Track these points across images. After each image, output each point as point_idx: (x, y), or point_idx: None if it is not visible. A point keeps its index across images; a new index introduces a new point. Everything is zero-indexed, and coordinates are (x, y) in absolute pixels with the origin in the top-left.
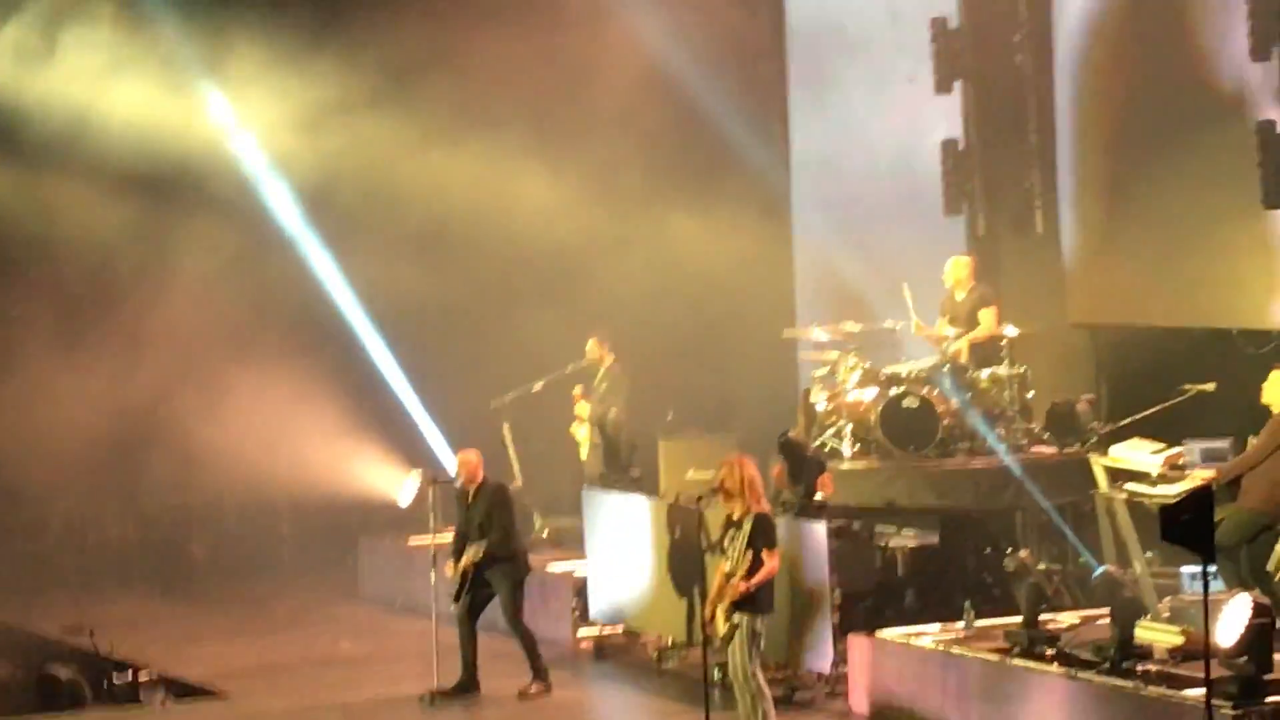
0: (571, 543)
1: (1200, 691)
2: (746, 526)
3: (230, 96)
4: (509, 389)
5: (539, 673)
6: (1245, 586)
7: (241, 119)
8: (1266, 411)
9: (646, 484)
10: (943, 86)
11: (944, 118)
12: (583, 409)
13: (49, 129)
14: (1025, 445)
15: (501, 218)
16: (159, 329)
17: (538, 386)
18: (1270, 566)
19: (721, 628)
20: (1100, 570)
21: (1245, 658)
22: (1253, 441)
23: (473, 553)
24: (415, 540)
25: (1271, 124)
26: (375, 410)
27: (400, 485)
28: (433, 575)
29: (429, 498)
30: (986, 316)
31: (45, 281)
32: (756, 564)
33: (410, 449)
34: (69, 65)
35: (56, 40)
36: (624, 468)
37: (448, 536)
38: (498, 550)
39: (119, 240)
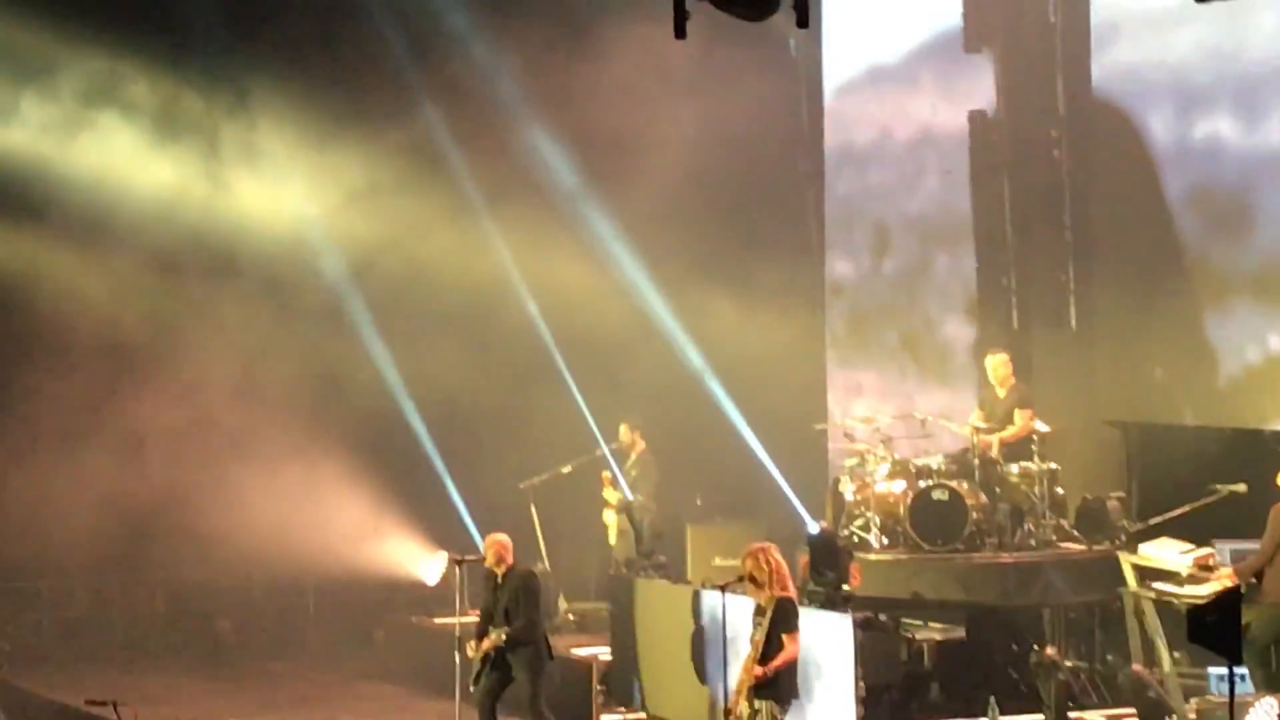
0: (597, 627)
1: None
2: (769, 612)
3: (258, 180)
4: (539, 471)
5: None
6: (1274, 689)
7: (271, 203)
8: None
9: (673, 570)
10: (979, 179)
11: (981, 210)
12: (611, 494)
13: (74, 208)
14: (1054, 541)
15: (536, 300)
16: (194, 403)
17: (567, 469)
18: None
19: (745, 715)
20: (1126, 670)
21: None
22: None
23: (495, 637)
24: (440, 620)
25: None
26: (405, 489)
27: (427, 564)
28: (457, 656)
29: (455, 578)
30: (1021, 417)
31: (76, 349)
32: (776, 648)
33: (439, 529)
34: (96, 144)
35: (85, 119)
36: (649, 553)
37: (473, 617)
38: (520, 636)
39: (152, 313)
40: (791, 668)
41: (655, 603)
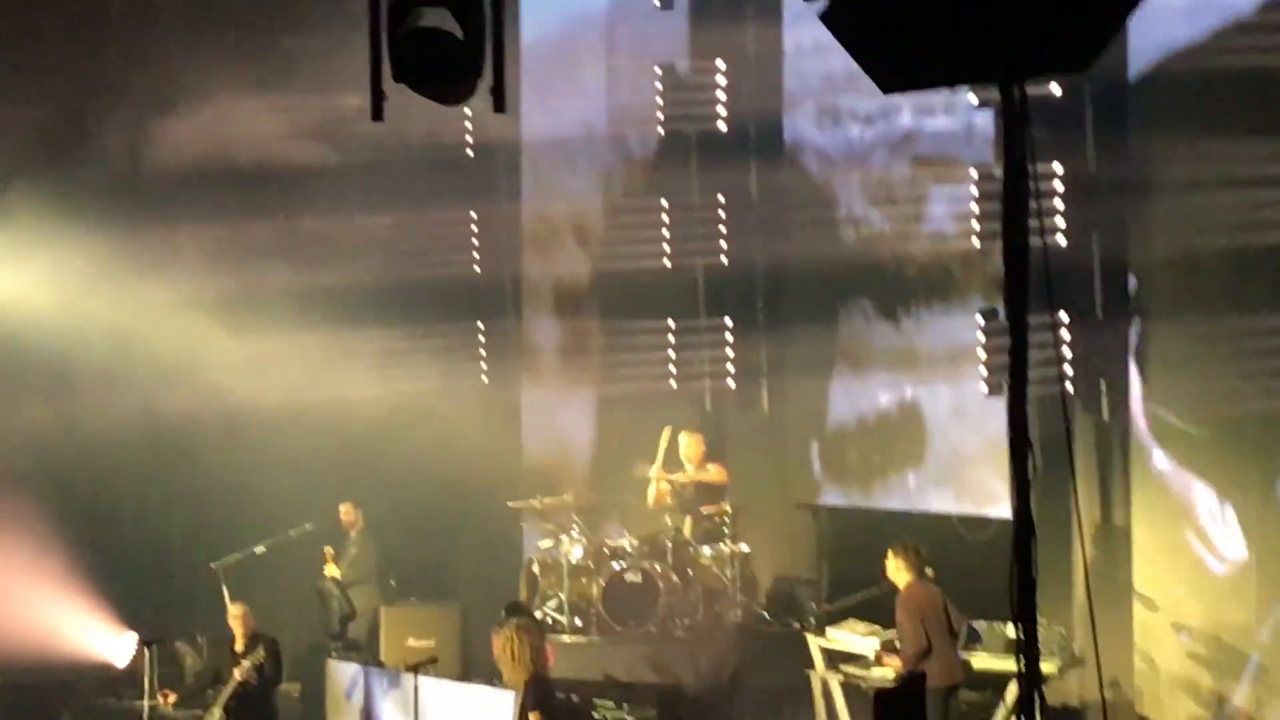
0: (288, 709)
1: None
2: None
3: None
4: (232, 550)
5: None
6: None
7: None
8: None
9: (367, 652)
10: (675, 259)
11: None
12: (331, 570)
13: None
14: (746, 623)
15: (226, 376)
16: None
17: (261, 549)
18: None
19: None
20: None
21: None
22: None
23: None
24: (130, 702)
25: (994, 311)
26: (93, 568)
27: (116, 645)
28: None
29: (145, 659)
30: (717, 469)
31: None
32: None
33: (128, 609)
34: None
35: None
36: (338, 634)
37: (162, 699)
38: None
39: None
40: None
41: (348, 684)
